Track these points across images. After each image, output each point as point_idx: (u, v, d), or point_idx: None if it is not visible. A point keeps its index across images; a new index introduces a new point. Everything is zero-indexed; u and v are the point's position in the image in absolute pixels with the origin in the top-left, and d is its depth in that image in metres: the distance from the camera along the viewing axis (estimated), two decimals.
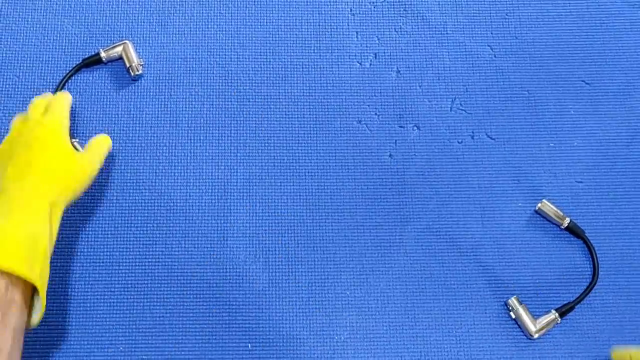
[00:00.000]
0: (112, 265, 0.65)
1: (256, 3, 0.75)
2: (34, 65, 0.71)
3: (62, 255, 0.65)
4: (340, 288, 0.65)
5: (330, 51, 0.73)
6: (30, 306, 0.52)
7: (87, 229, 0.66)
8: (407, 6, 0.75)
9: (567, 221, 0.66)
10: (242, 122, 0.70)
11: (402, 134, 0.70)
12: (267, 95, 0.71)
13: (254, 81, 0.72)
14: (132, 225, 0.66)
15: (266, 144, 0.69)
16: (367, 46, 0.73)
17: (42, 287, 0.51)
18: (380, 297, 0.64)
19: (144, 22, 0.73)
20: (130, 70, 0.70)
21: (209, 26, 0.74)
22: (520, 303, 0.63)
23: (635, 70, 0.73)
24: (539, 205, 0.66)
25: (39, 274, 0.50)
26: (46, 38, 0.72)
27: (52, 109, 0.62)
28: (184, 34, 0.73)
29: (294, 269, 0.65)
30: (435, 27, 0.74)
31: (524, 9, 0.75)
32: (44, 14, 0.73)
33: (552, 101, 0.72)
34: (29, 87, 0.70)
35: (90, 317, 0.63)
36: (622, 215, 0.68)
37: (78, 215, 0.66)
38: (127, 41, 0.71)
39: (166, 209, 0.67)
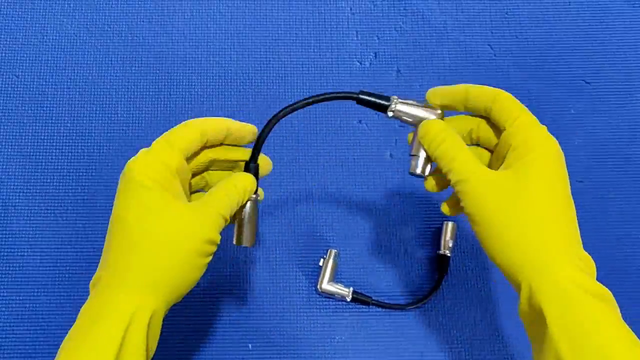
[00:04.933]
0: None
1: (256, 3, 0.75)
2: (34, 65, 0.71)
3: (62, 255, 0.65)
4: None
5: (330, 50, 0.73)
6: None
7: (87, 228, 0.66)
8: (407, 5, 0.75)
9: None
10: (242, 121, 0.70)
11: (403, 133, 0.70)
12: (267, 94, 0.71)
13: (253, 81, 0.71)
14: None
15: (266, 144, 0.69)
16: (367, 45, 0.73)
17: None
18: (380, 298, 0.64)
19: (144, 22, 0.73)
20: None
21: (209, 26, 0.73)
22: (337, 258, 0.63)
23: (635, 70, 0.72)
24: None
25: None
26: (46, 38, 0.72)
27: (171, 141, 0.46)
28: (184, 34, 0.73)
29: (293, 269, 0.65)
30: (435, 26, 0.74)
31: (524, 8, 0.75)
32: (44, 14, 0.73)
33: (552, 100, 0.71)
34: (29, 87, 0.70)
35: None
36: (622, 216, 0.68)
37: (78, 215, 0.66)
38: None
39: None
